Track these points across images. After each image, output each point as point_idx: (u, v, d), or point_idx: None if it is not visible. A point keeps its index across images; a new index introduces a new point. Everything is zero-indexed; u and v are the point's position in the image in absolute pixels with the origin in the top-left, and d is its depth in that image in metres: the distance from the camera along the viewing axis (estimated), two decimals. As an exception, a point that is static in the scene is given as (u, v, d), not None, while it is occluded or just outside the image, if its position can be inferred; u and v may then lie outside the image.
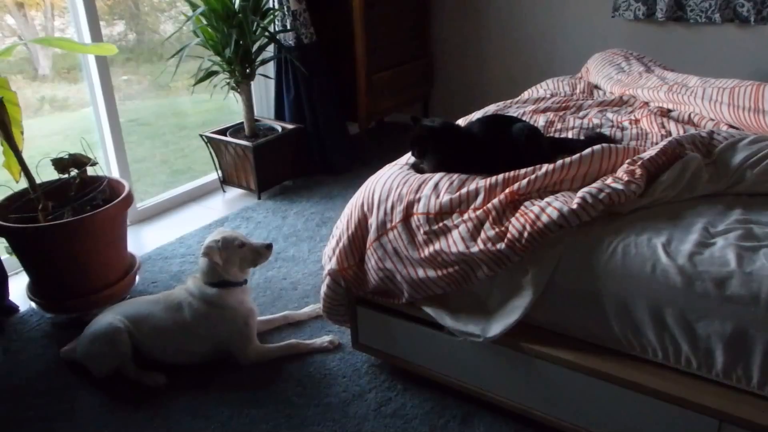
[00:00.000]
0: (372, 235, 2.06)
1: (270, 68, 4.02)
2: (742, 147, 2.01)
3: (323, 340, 2.41)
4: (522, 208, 1.83)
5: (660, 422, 1.68)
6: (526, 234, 1.76)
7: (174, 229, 3.44)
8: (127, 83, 4.23)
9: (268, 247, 2.34)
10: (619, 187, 1.80)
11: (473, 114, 2.67)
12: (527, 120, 2.46)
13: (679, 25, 3.79)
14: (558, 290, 1.80)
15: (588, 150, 1.95)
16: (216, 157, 3.84)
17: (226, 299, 2.29)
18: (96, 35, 3.18)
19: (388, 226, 2.01)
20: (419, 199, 1.96)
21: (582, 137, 2.31)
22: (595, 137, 2.24)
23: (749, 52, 3.64)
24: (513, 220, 1.81)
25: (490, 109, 2.74)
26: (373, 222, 2.06)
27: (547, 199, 1.83)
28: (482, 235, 1.82)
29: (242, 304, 2.32)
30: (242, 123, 3.79)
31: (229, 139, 3.70)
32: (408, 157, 2.25)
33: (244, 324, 2.31)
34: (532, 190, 1.88)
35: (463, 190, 1.92)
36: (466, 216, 1.87)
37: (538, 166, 1.93)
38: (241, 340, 2.31)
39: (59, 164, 2.62)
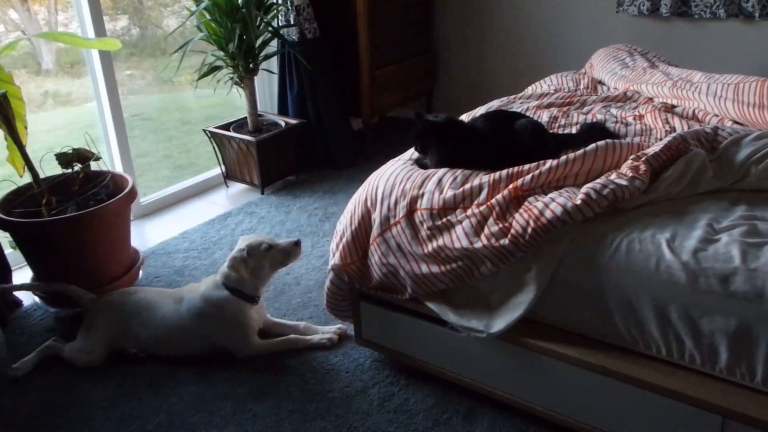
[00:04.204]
0: (375, 230, 2.06)
1: (273, 63, 4.02)
2: (747, 143, 2.00)
3: (322, 336, 2.41)
4: (526, 203, 1.82)
5: (663, 418, 1.68)
6: (529, 230, 1.76)
7: (177, 224, 3.44)
8: (131, 78, 4.23)
9: (297, 244, 2.33)
10: (623, 182, 1.79)
11: (477, 109, 2.66)
12: (531, 115, 2.46)
13: (683, 21, 3.78)
14: (561, 286, 1.80)
15: (592, 146, 1.94)
16: (219, 152, 3.84)
17: (230, 306, 2.29)
18: (99, 30, 3.18)
19: (392, 221, 2.01)
20: (423, 195, 1.96)
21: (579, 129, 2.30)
22: (588, 128, 2.25)
23: (754, 48, 3.62)
24: (517, 215, 1.80)
25: (494, 104, 2.74)
26: (376, 217, 2.06)
27: (551, 195, 1.82)
28: (486, 230, 1.82)
29: (243, 312, 2.31)
30: (245, 118, 3.79)
31: (232, 134, 3.70)
32: (411, 153, 2.24)
33: (240, 327, 2.31)
34: (535, 185, 1.87)
35: (467, 186, 1.92)
36: (469, 212, 1.87)
37: (541, 162, 1.92)
38: (236, 341, 2.32)
39: (63, 159, 2.62)
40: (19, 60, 3.61)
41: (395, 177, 2.07)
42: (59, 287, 2.45)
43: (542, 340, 1.84)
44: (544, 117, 2.50)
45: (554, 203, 1.77)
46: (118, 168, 3.40)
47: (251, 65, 3.59)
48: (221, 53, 3.52)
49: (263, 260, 2.29)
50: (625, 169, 1.87)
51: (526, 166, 1.93)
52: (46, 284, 2.50)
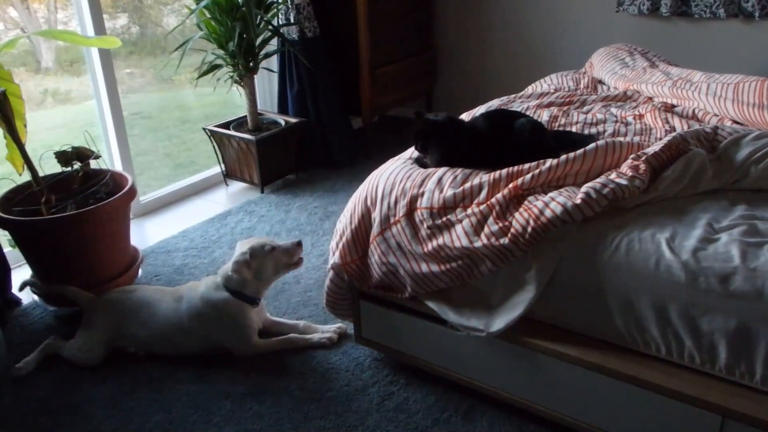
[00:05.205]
0: (375, 229, 2.06)
1: (273, 62, 4.02)
2: (747, 143, 2.00)
3: (322, 336, 2.41)
4: (526, 203, 1.82)
5: (662, 418, 1.68)
6: (529, 229, 1.76)
7: (177, 222, 3.44)
8: (130, 76, 4.23)
9: (298, 244, 2.34)
10: (623, 182, 1.80)
11: (477, 109, 2.66)
12: (531, 115, 2.46)
13: (683, 20, 3.78)
14: (561, 285, 1.80)
15: (592, 145, 1.94)
16: (219, 150, 3.84)
17: (231, 307, 2.28)
18: (99, 28, 3.18)
19: (392, 220, 2.01)
20: (423, 194, 1.96)
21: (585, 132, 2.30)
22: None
23: (754, 48, 3.62)
24: (517, 215, 1.80)
25: (494, 103, 2.74)
26: (376, 216, 2.06)
27: (550, 194, 1.82)
28: (486, 229, 1.82)
29: (243, 314, 2.31)
30: (245, 116, 3.79)
31: (232, 132, 3.70)
32: (411, 152, 2.24)
33: (240, 329, 2.30)
34: (535, 185, 1.87)
35: (467, 185, 1.92)
36: (469, 211, 1.87)
37: (541, 161, 1.92)
38: (236, 341, 2.32)
39: (62, 157, 2.62)
40: (19, 58, 3.60)
41: (395, 176, 2.07)
42: (56, 289, 2.44)
43: (542, 340, 1.84)
44: (544, 116, 2.50)
45: (554, 202, 1.77)
46: (118, 166, 3.40)
47: (251, 64, 3.58)
48: (221, 52, 3.52)
49: (266, 262, 2.28)
50: (625, 168, 1.87)
51: (526, 166, 1.92)
52: (44, 284, 2.49)
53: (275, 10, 3.69)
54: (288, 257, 2.32)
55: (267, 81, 4.15)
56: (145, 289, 2.45)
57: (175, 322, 2.30)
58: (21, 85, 2.55)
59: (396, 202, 2.01)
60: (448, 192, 1.92)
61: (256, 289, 2.32)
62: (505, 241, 1.79)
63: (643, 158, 1.89)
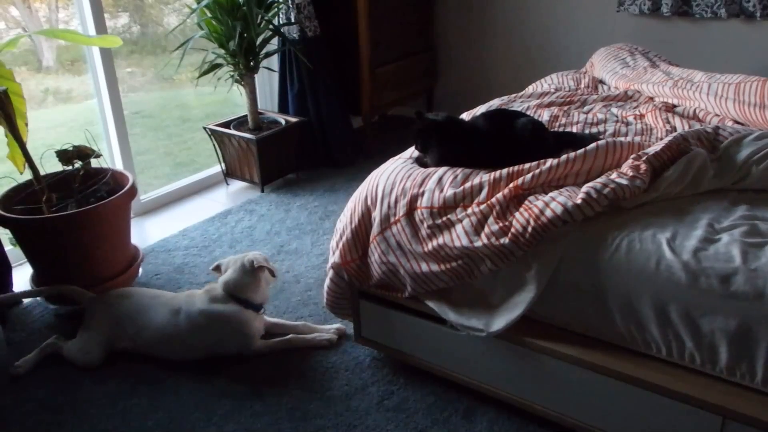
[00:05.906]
0: (375, 228, 2.06)
1: (274, 61, 4.02)
2: (748, 143, 2.00)
3: (322, 336, 2.41)
4: (526, 202, 1.82)
5: (663, 418, 1.68)
6: (530, 229, 1.76)
7: (177, 221, 3.44)
8: (131, 75, 4.23)
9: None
10: (624, 182, 1.79)
11: (477, 108, 2.66)
12: (531, 114, 2.45)
13: (684, 20, 3.77)
14: (562, 285, 1.80)
15: (593, 145, 1.94)
16: (219, 149, 3.84)
17: (236, 317, 2.28)
18: (100, 27, 3.18)
19: (392, 219, 2.01)
20: (423, 193, 1.96)
21: (585, 132, 2.30)
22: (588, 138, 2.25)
23: (755, 48, 3.62)
24: (517, 214, 1.80)
25: (494, 103, 2.73)
26: (376, 215, 2.06)
27: (551, 194, 1.82)
28: (486, 229, 1.82)
29: (247, 323, 2.30)
30: (246, 116, 3.79)
31: (232, 131, 3.70)
32: (412, 151, 2.24)
33: (243, 338, 2.30)
34: (536, 184, 1.87)
35: (467, 185, 1.92)
36: (470, 210, 1.87)
37: (542, 161, 1.92)
38: (238, 349, 2.32)
39: (63, 156, 2.62)
40: (20, 57, 3.61)
41: (395, 175, 2.07)
42: (61, 289, 2.43)
43: (542, 339, 1.84)
44: (544, 116, 2.50)
45: (555, 202, 1.77)
46: (119, 165, 3.40)
47: (252, 63, 3.58)
48: (222, 51, 3.52)
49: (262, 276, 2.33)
50: (626, 168, 1.87)
51: (527, 165, 1.92)
52: (47, 288, 2.49)
53: (276, 9, 3.69)
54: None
55: (267, 80, 4.15)
56: (140, 294, 2.40)
57: (174, 336, 2.28)
58: (22, 83, 2.56)
59: (396, 202, 2.01)
60: (449, 191, 1.92)
61: (264, 295, 2.34)
62: (505, 240, 1.79)
63: (644, 158, 1.89)
